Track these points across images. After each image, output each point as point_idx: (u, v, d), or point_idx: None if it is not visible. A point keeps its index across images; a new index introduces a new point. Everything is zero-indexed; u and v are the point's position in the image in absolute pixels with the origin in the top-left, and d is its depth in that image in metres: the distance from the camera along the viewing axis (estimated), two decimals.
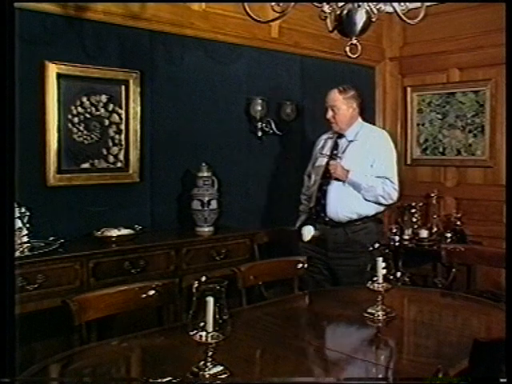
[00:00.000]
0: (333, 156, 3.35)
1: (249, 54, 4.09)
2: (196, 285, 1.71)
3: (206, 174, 3.62)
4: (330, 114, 3.32)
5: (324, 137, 3.52)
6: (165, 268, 3.24)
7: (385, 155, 3.32)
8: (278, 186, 4.31)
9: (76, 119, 3.27)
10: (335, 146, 3.38)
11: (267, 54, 4.19)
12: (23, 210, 2.88)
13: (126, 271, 3.06)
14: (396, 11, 2.10)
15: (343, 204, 3.24)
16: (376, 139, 3.35)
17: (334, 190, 3.27)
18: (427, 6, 2.16)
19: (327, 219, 3.29)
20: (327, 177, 3.30)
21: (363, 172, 3.24)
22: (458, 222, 4.47)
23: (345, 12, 2.11)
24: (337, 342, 2.24)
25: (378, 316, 2.28)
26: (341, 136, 3.37)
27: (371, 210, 3.29)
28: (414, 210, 4.55)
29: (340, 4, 2.12)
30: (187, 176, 3.73)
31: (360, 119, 3.41)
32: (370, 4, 2.10)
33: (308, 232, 3.34)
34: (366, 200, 3.25)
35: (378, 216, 3.36)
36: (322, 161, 3.38)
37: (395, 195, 3.30)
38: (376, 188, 3.23)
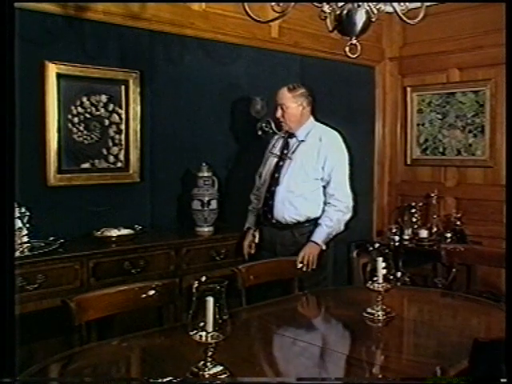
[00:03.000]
0: (282, 156, 3.30)
1: (248, 54, 4.09)
2: (196, 285, 1.71)
3: (206, 174, 3.62)
4: (279, 112, 3.26)
5: (276, 136, 3.49)
6: (165, 268, 3.24)
7: (337, 157, 3.21)
8: None
9: (76, 119, 3.28)
10: (285, 146, 3.33)
11: (267, 53, 4.18)
12: (23, 209, 2.88)
13: (126, 271, 3.06)
14: (396, 11, 2.10)
15: (290, 206, 3.19)
16: (328, 140, 3.23)
17: (282, 191, 3.21)
18: (427, 6, 2.16)
19: (274, 221, 3.25)
20: (276, 178, 3.26)
21: (313, 175, 3.17)
22: (458, 222, 4.47)
23: (345, 12, 2.11)
24: (336, 342, 2.24)
25: (378, 316, 2.28)
26: (291, 135, 3.31)
27: (319, 212, 3.21)
28: (413, 210, 4.56)
29: (340, 4, 2.12)
30: (187, 176, 3.72)
31: (312, 118, 3.33)
32: (370, 4, 2.10)
33: (258, 234, 3.35)
34: (321, 205, 3.18)
35: None
36: (272, 161, 3.34)
37: (351, 201, 3.23)
38: (339, 219, 3.18)
